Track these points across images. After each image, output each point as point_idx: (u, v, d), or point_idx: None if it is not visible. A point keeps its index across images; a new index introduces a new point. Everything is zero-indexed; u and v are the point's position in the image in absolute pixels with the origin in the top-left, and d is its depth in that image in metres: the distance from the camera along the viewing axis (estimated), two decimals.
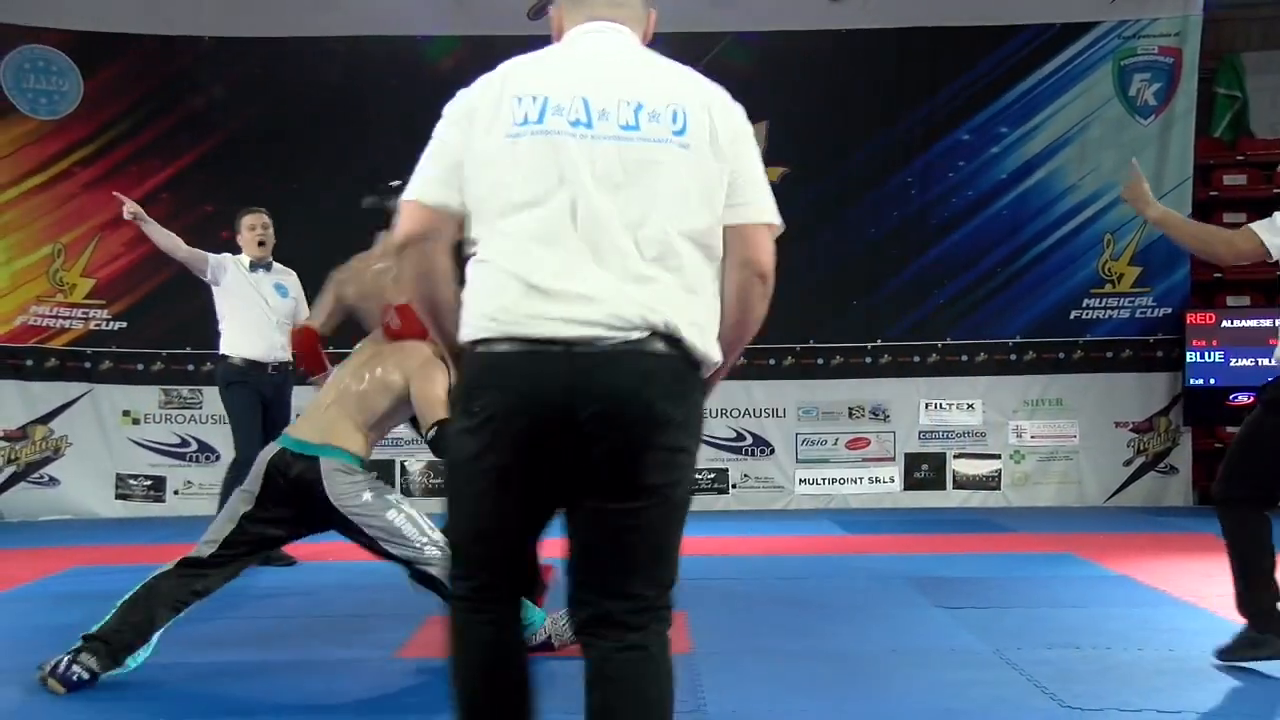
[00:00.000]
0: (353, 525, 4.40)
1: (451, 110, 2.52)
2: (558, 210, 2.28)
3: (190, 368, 9.64)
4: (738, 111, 2.47)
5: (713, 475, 9.83)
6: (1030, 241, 9.94)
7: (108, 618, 4.28)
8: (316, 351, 5.58)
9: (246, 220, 7.06)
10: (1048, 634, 4.96)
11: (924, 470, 9.91)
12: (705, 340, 2.34)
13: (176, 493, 9.69)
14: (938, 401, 9.92)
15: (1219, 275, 10.23)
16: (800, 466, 9.89)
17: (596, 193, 2.28)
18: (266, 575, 6.30)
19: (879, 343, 9.91)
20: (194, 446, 9.72)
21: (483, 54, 11.20)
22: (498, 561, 2.45)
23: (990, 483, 9.89)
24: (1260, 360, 9.24)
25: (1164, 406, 9.87)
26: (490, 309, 2.29)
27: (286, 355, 6.87)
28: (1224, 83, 10.45)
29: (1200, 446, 9.93)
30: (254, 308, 6.95)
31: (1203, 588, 5.88)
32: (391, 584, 5.11)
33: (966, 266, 9.94)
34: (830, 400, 9.86)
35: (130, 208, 6.96)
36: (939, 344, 9.91)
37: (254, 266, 7.03)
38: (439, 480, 9.65)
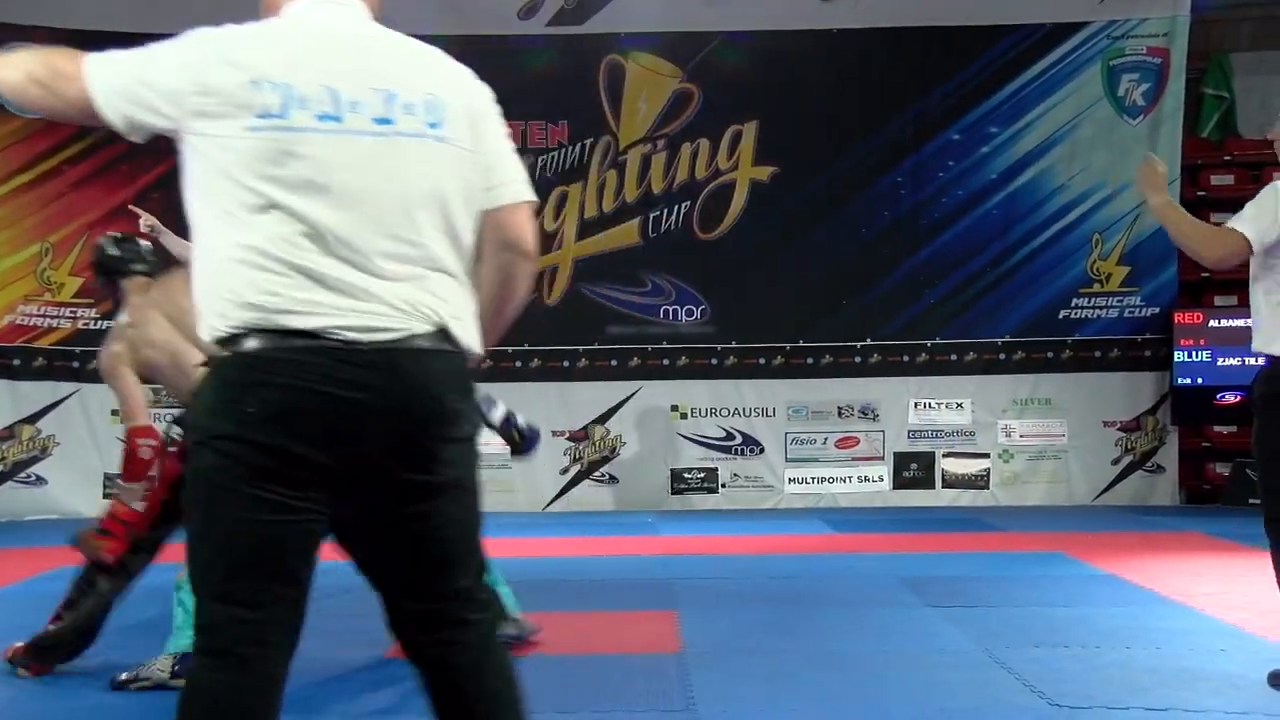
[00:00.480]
0: None
1: (185, 60, 2.26)
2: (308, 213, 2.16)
3: None
4: (484, 91, 2.43)
5: (702, 474, 9.84)
6: (1020, 241, 9.96)
7: None
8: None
9: None
10: (1037, 633, 4.99)
11: (913, 469, 9.93)
12: (470, 332, 2.31)
13: None
14: (927, 401, 9.94)
15: (1207, 275, 10.25)
16: (790, 465, 9.90)
17: (350, 193, 2.18)
18: None
19: (869, 342, 9.93)
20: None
21: (474, 54, 11.20)
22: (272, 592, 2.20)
23: (979, 482, 9.91)
24: (1247, 360, 9.27)
25: (1151, 406, 9.90)
26: (257, 300, 2.15)
27: None
28: (1212, 83, 10.49)
29: (1187, 446, 9.96)
30: None
31: (1191, 586, 5.91)
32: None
33: (957, 266, 9.96)
34: (820, 399, 9.88)
35: (147, 220, 6.75)
36: (929, 343, 9.93)
37: None
38: None
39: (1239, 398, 9.34)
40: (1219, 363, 9.52)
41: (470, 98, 2.37)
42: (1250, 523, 8.28)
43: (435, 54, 2.40)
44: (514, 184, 2.38)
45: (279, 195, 2.14)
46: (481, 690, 2.31)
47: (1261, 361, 4.11)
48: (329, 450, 2.15)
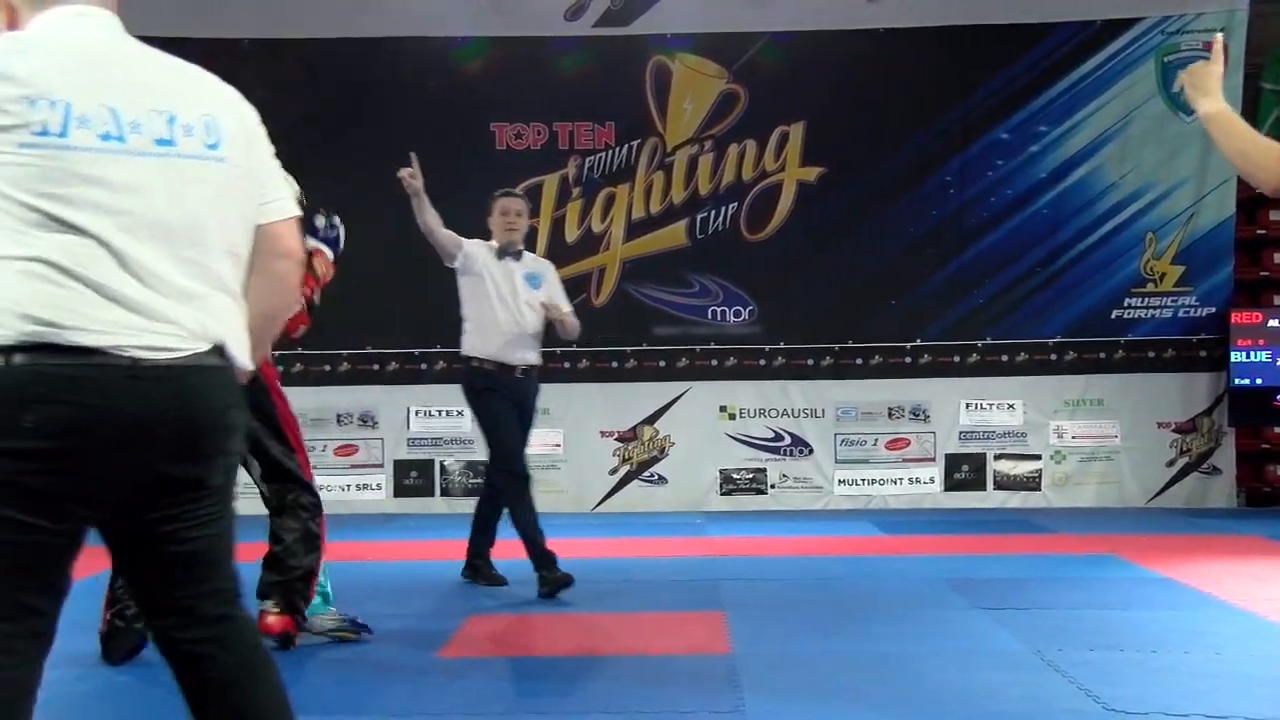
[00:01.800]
0: None
1: None
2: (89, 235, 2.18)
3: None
4: (251, 110, 2.50)
5: (750, 475, 9.80)
6: (1071, 240, 9.85)
7: None
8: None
9: (500, 204, 6.35)
10: (1089, 635, 4.92)
11: (964, 471, 9.84)
12: (244, 350, 2.38)
13: None
14: (978, 401, 9.85)
15: (1265, 274, 10.11)
16: (839, 467, 9.85)
17: (137, 214, 2.21)
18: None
19: (918, 342, 9.85)
20: None
21: (516, 55, 11.28)
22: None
23: (1031, 483, 9.81)
24: None
25: (1207, 407, 9.75)
26: (42, 314, 2.13)
27: (535, 357, 6.27)
28: (1271, 78, 10.30)
29: (1244, 447, 9.81)
30: (503, 299, 6.18)
31: (1251, 590, 5.81)
32: (426, 587, 5.14)
33: (1006, 265, 9.86)
34: (869, 400, 9.82)
35: (413, 182, 6.16)
36: (979, 344, 9.85)
37: (502, 254, 6.25)
38: (479, 480, 9.71)
39: None
40: (1279, 363, 9.36)
41: (242, 117, 2.44)
42: None
43: (200, 71, 2.44)
44: (285, 199, 2.49)
45: (66, 213, 2.15)
46: (244, 692, 2.36)
47: None
48: (109, 464, 2.17)
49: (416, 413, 9.85)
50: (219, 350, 2.30)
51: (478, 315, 6.17)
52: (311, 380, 9.65)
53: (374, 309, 9.59)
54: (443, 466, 9.88)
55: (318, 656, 4.76)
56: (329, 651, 4.83)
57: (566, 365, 9.73)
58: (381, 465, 9.84)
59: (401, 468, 9.89)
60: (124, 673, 4.50)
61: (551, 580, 5.91)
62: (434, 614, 5.46)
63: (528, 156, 9.81)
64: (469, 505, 9.73)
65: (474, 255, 6.21)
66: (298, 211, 2.53)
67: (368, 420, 9.74)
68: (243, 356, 2.36)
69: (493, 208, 6.34)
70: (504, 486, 6.15)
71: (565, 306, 6.33)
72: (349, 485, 9.78)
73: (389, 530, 8.82)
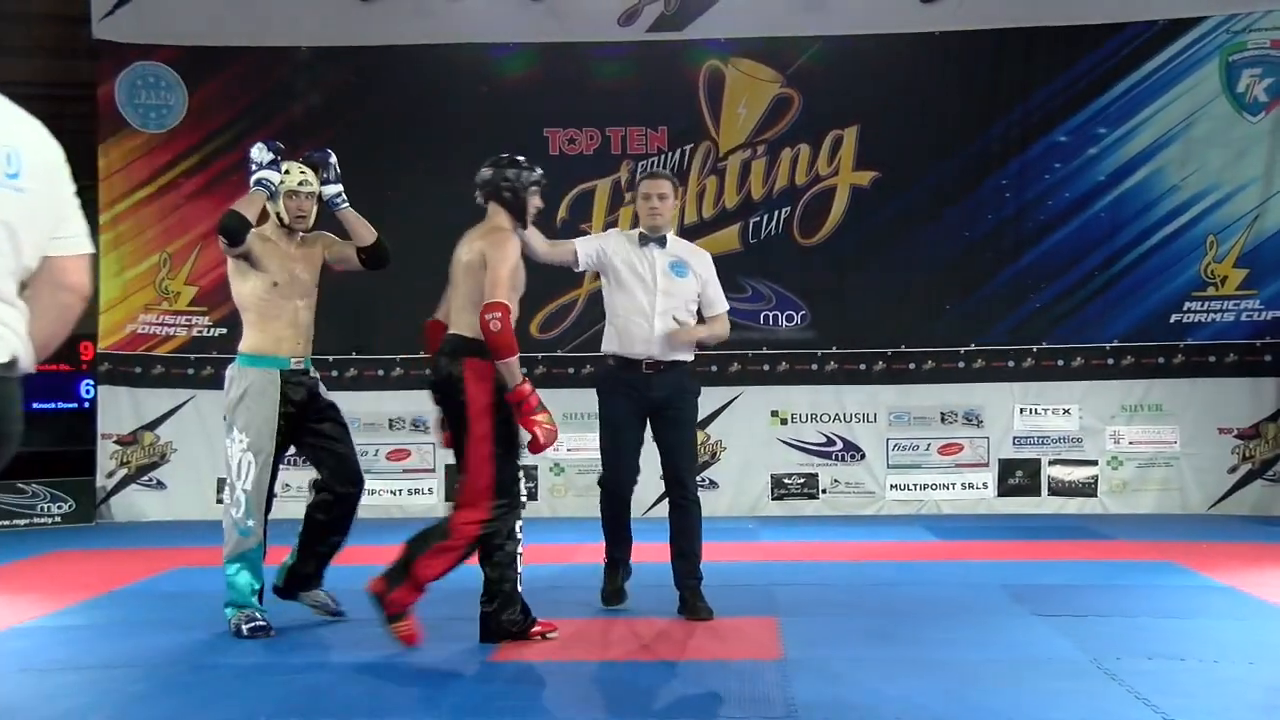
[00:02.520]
0: None
1: None
2: None
3: None
4: (55, 144, 2.60)
5: (802, 480, 9.77)
6: (1129, 244, 9.73)
7: None
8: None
9: (643, 186, 5.83)
10: (1149, 644, 4.85)
11: (1018, 476, 9.74)
12: (32, 361, 2.53)
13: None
14: (1033, 406, 9.75)
15: None
16: (891, 472, 9.78)
17: None
18: (336, 577, 6.24)
19: (973, 347, 9.77)
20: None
21: (568, 61, 11.30)
22: None
23: (1087, 489, 9.69)
24: None
25: (1272, 412, 9.59)
26: None
27: (671, 352, 5.67)
28: None
29: None
30: (638, 291, 5.68)
31: None
32: (469, 588, 5.15)
33: (1063, 270, 9.76)
34: (923, 405, 9.75)
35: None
36: (1034, 348, 9.75)
37: (644, 240, 5.75)
38: (531, 483, 9.75)
39: None
40: None
41: (45, 151, 2.56)
42: None
43: (10, 106, 2.56)
44: (79, 236, 2.63)
45: None
46: None
47: None
48: None
49: None
50: (12, 363, 2.46)
51: (612, 310, 5.72)
52: (365, 385, 9.77)
53: (429, 312, 9.66)
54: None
55: (370, 657, 4.80)
56: (380, 654, 4.86)
57: None
58: (433, 470, 9.90)
59: (452, 472, 9.94)
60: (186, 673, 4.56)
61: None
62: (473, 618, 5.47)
63: (581, 161, 9.84)
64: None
65: (608, 250, 5.73)
66: (90, 249, 2.66)
67: (420, 425, 9.80)
68: (31, 365, 2.52)
69: (637, 191, 5.91)
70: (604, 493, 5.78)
71: (720, 306, 5.87)
72: (400, 490, 9.86)
73: None
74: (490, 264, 4.91)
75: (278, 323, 5.41)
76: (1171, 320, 9.68)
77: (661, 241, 5.74)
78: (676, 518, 5.67)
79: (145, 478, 9.94)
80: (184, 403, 9.90)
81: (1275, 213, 9.56)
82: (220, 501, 5.85)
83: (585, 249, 5.80)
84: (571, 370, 9.87)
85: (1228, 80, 9.61)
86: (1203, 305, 9.66)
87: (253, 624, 5.20)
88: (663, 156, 9.86)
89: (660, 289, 5.64)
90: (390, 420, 9.88)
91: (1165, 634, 5.08)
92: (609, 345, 5.74)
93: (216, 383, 9.90)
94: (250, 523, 5.31)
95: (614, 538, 5.83)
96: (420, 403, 9.89)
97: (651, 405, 5.62)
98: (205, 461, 9.70)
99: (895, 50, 9.75)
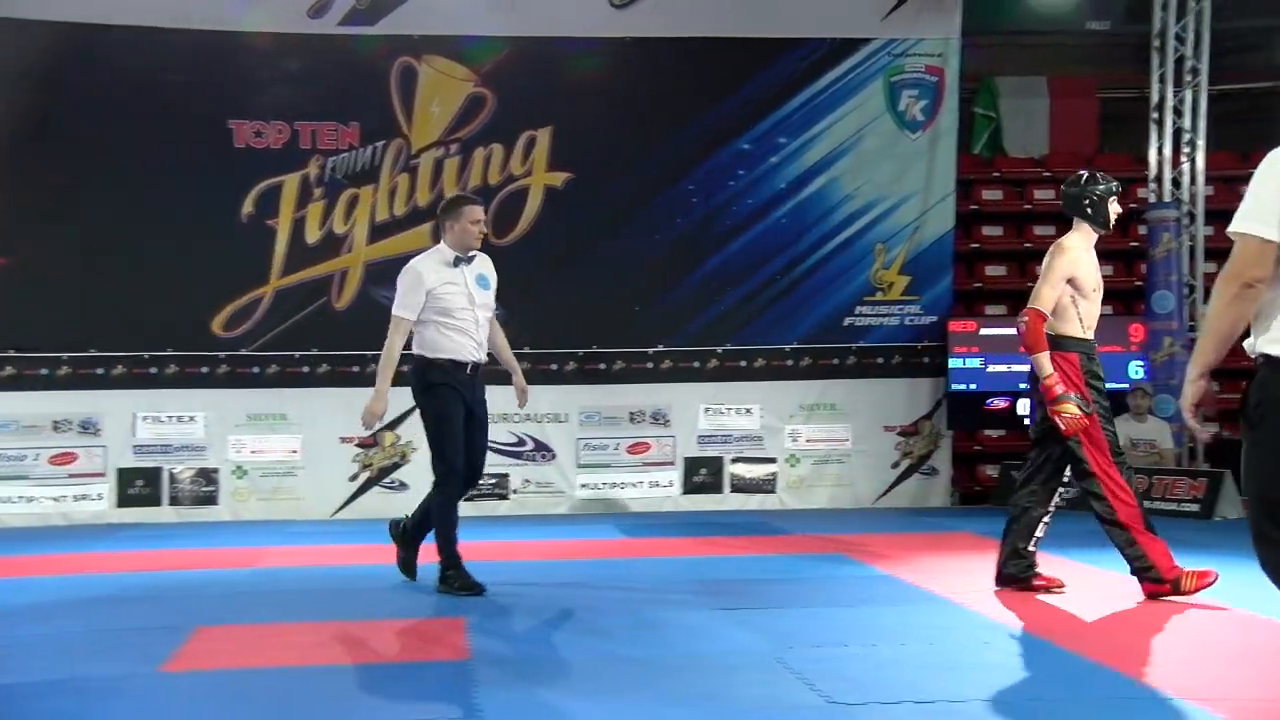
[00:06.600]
0: None
1: None
2: None
3: None
4: None
5: (493, 481, 9.77)
6: (808, 250, 10.24)
7: None
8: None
9: (473, 212, 6.27)
10: (819, 633, 5.13)
11: (703, 474, 10.09)
12: None
13: None
14: (717, 406, 10.11)
15: (979, 285, 10.81)
16: (581, 471, 9.94)
17: None
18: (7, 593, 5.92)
19: (661, 348, 10.05)
20: None
21: (256, 51, 10.84)
22: None
23: (766, 486, 10.14)
24: (1014, 366, 9.77)
25: (928, 411, 10.30)
26: None
27: (484, 356, 6.31)
28: (982, 104, 11.11)
29: (960, 449, 10.43)
30: (463, 304, 6.17)
31: (961, 584, 6.17)
32: (154, 594, 4.92)
33: (747, 274, 10.17)
34: (612, 405, 9.95)
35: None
36: (719, 349, 10.11)
37: (457, 261, 6.22)
38: (211, 488, 9.42)
39: (1007, 403, 9.83)
40: (989, 369, 9.97)
41: None
42: None
43: None
44: None
45: None
46: None
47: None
48: None
49: (144, 418, 9.41)
50: None
51: (442, 322, 6.15)
52: (26, 385, 9.12)
53: (98, 307, 9.14)
54: (172, 475, 9.48)
55: (32, 677, 4.48)
56: (43, 673, 4.55)
57: (306, 370, 9.52)
58: (103, 474, 9.35)
59: (126, 476, 9.43)
60: None
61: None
62: (160, 625, 5.22)
63: (268, 155, 9.53)
64: (199, 515, 9.47)
65: (426, 288, 6.14)
66: None
67: (89, 427, 9.24)
68: None
69: (459, 213, 6.26)
70: (441, 482, 6.21)
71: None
72: (65, 496, 9.26)
73: (114, 540, 8.38)
74: (1041, 274, 5.76)
75: None
76: (845, 324, 10.25)
77: (470, 259, 6.24)
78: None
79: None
80: None
81: (933, 224, 10.27)
82: None
83: (414, 312, 6.15)
84: (257, 370, 9.54)
85: (890, 99, 10.28)
86: (872, 310, 10.28)
87: None
88: (354, 153, 9.67)
89: (477, 303, 6.21)
90: (55, 422, 9.26)
91: (833, 622, 5.38)
92: (436, 351, 6.15)
93: None
94: None
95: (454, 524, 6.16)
96: (92, 403, 9.35)
97: (469, 404, 6.24)
98: None
99: (588, 53, 9.90)
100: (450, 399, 6.19)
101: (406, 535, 6.47)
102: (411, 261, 6.32)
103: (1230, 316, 3.11)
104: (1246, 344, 3.14)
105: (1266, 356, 3.06)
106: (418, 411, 6.40)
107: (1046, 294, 5.66)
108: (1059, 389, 5.57)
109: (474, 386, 6.27)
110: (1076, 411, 5.57)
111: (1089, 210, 5.86)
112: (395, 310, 6.18)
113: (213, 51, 9.43)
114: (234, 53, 9.50)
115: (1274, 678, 4.42)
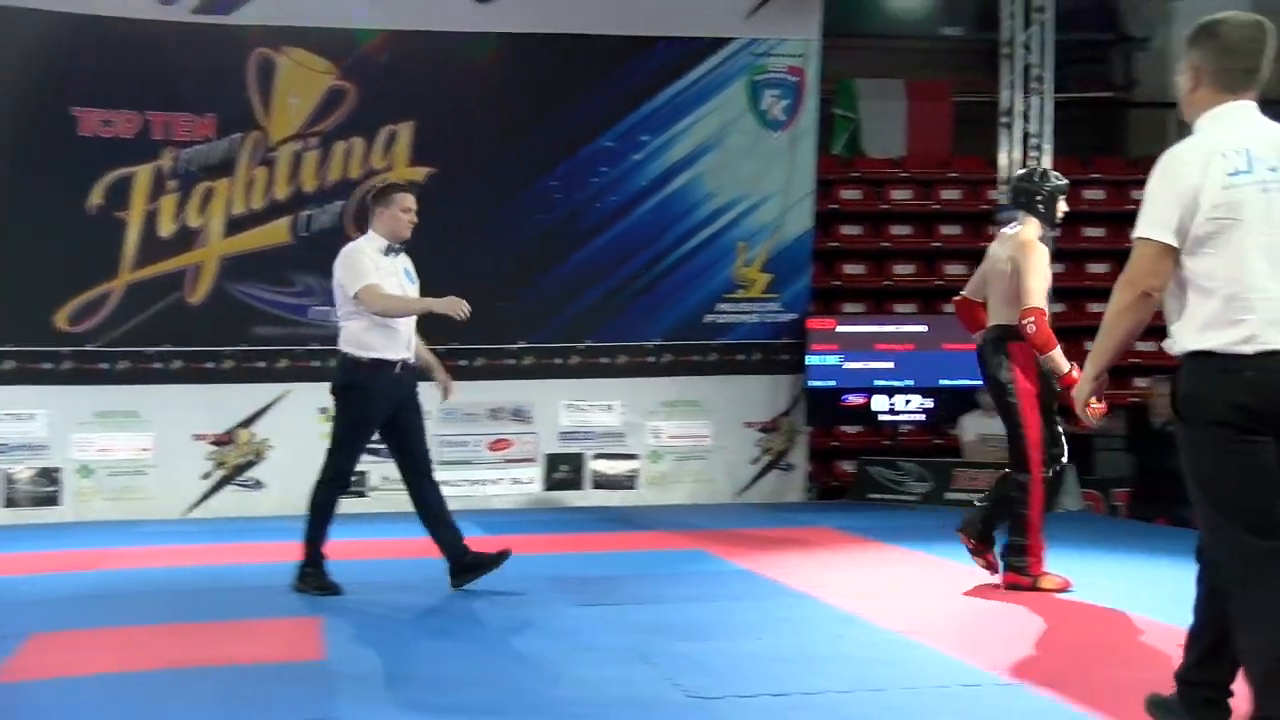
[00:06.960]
0: None
1: None
2: None
3: None
4: None
5: (352, 478, 9.60)
6: (670, 247, 10.29)
7: None
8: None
9: (405, 200, 6.22)
10: (679, 628, 5.18)
11: (563, 470, 10.09)
12: None
13: None
14: (579, 402, 10.12)
15: (838, 283, 11.02)
16: (442, 468, 9.79)
17: None
18: None
19: (523, 345, 10.01)
20: None
21: (106, 36, 10.44)
22: None
23: (628, 482, 10.18)
24: (870, 363, 10.00)
25: (787, 407, 10.45)
26: None
27: (412, 354, 6.21)
28: (842, 104, 11.33)
29: (817, 445, 10.61)
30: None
31: (817, 577, 6.31)
32: None
33: (610, 270, 10.18)
34: (473, 402, 9.85)
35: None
36: (581, 345, 10.12)
37: (390, 250, 6.14)
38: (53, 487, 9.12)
39: (863, 399, 10.04)
40: (846, 366, 10.15)
41: None
42: (871, 516, 8.97)
43: None
44: None
45: None
46: None
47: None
48: None
49: None
50: None
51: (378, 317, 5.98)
52: None
53: None
54: (9, 475, 9.15)
55: None
56: None
57: (159, 366, 9.27)
58: None
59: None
60: None
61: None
62: None
63: (117, 145, 9.22)
64: (39, 516, 9.14)
65: (380, 268, 6.03)
66: None
67: None
68: None
69: (391, 200, 6.17)
70: (326, 482, 6.15)
71: None
72: None
73: None
74: (1021, 273, 5.68)
75: None
76: (706, 321, 10.34)
77: (399, 250, 6.19)
78: (428, 490, 6.25)
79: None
80: None
81: (794, 223, 10.41)
82: None
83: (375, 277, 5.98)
84: (106, 366, 9.25)
85: (753, 98, 10.39)
86: (734, 307, 10.39)
87: None
88: (210, 145, 9.42)
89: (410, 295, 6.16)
90: None
91: (693, 617, 5.44)
92: (364, 350, 6.00)
93: None
94: None
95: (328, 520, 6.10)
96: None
97: (399, 400, 6.07)
98: None
99: (450, 47, 9.80)
100: (370, 408, 6.03)
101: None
102: (348, 246, 6.19)
103: (1126, 324, 3.30)
104: (1166, 344, 3.32)
105: (1191, 353, 3.21)
106: (330, 409, 6.29)
107: (1038, 288, 5.66)
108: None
109: (401, 384, 6.07)
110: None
111: (1040, 207, 5.94)
112: (359, 283, 5.89)
113: (55, 35, 9.09)
114: (78, 37, 9.16)
115: (1120, 659, 4.62)
